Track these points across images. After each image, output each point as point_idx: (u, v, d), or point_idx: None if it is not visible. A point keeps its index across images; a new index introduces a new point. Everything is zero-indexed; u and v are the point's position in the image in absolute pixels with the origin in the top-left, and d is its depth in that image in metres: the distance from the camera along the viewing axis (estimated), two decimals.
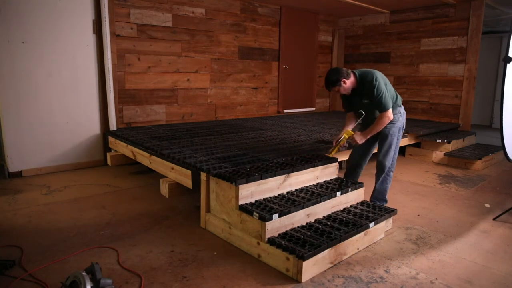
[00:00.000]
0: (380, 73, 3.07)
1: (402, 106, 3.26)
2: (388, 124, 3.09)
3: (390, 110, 3.01)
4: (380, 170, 3.23)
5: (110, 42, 4.58)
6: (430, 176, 4.58)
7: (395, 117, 3.13)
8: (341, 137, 3.23)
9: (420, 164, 5.16)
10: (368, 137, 3.13)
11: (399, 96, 3.22)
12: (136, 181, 4.19)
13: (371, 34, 7.20)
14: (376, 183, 3.29)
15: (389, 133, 3.15)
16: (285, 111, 6.86)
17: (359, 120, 3.21)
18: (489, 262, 2.51)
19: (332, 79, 3.00)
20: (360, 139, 3.12)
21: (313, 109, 7.43)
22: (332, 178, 3.31)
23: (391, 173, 3.28)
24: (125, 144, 4.15)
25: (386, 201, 3.34)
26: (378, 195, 3.30)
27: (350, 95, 3.14)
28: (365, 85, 3.01)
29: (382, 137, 3.19)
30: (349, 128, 3.27)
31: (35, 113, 4.25)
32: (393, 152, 3.20)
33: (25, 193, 3.70)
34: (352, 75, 3.03)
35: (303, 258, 2.18)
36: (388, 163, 3.19)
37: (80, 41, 4.48)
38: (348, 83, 3.02)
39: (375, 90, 2.95)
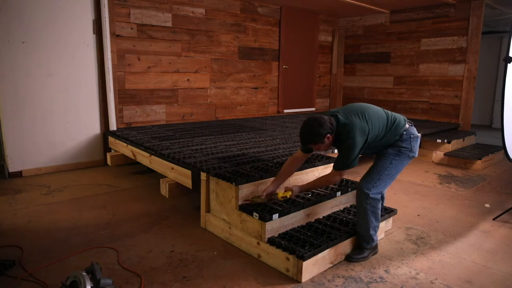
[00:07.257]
0: (362, 123, 2.29)
1: (408, 130, 2.44)
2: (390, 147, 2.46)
3: (344, 172, 2.40)
4: (357, 196, 2.47)
5: (110, 42, 4.58)
6: (430, 176, 4.58)
7: (396, 143, 2.45)
8: (273, 195, 2.60)
9: (420, 164, 5.16)
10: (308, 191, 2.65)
11: (396, 122, 2.44)
12: (136, 181, 4.19)
13: (371, 34, 7.19)
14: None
15: (386, 155, 2.46)
16: (285, 111, 6.86)
17: None
18: (489, 262, 2.51)
19: (314, 133, 2.23)
20: (296, 195, 2.64)
21: (313, 109, 7.42)
22: None
23: (376, 204, 2.41)
24: (125, 144, 4.15)
25: (370, 247, 2.47)
26: (360, 229, 2.47)
27: None
28: (341, 141, 2.35)
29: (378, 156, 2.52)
30: (288, 175, 2.67)
31: (35, 113, 4.25)
32: (380, 176, 2.41)
33: (25, 193, 3.70)
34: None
35: (303, 258, 2.18)
36: (368, 188, 2.39)
37: (80, 41, 4.48)
38: (331, 138, 2.31)
39: (345, 148, 2.32)
